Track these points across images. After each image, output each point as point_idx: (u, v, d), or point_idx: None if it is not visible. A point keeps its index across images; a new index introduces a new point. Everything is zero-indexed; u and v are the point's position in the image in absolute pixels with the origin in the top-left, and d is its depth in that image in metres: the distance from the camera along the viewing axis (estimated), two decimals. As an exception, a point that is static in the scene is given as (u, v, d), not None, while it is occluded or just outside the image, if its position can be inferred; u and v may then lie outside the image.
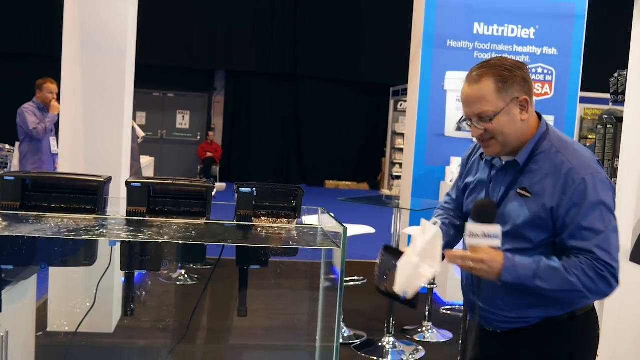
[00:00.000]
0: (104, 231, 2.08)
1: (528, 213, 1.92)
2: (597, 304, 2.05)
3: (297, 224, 2.26)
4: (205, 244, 2.09)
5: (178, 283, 5.83)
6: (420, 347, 4.67)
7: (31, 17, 14.62)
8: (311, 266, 2.46)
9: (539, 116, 2.04)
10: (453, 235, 2.21)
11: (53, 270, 4.14)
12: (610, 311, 3.57)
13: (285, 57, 16.19)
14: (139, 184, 2.16)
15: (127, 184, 2.16)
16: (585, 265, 1.85)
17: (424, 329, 5.02)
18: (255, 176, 15.16)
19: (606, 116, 4.26)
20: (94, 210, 2.13)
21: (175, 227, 2.11)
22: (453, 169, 6.07)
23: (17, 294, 2.29)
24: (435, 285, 5.22)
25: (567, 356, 2.02)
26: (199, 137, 16.50)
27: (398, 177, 14.10)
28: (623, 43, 4.23)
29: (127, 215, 2.16)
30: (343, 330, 4.79)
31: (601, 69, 8.02)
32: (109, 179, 2.24)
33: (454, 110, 6.33)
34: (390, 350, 4.54)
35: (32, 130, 6.28)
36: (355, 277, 5.22)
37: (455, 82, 6.26)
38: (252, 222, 2.20)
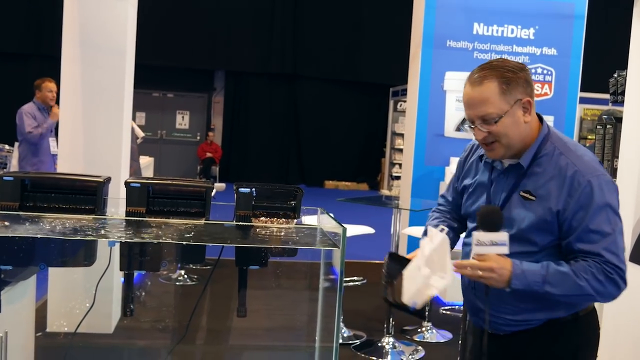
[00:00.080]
0: (103, 231, 2.08)
1: (533, 216, 1.91)
2: (596, 303, 2.05)
3: (296, 224, 2.26)
4: (205, 244, 2.09)
5: (177, 283, 5.83)
6: (419, 348, 4.66)
7: (31, 18, 14.62)
8: (311, 266, 2.45)
9: (540, 118, 2.02)
10: (452, 238, 2.20)
11: (52, 271, 4.14)
12: (609, 311, 3.57)
13: (284, 57, 16.19)
14: (138, 184, 2.15)
15: (127, 184, 2.16)
16: (594, 269, 1.85)
17: (423, 329, 5.01)
18: (255, 176, 15.15)
19: (605, 116, 4.27)
20: (93, 210, 2.13)
21: (175, 227, 2.11)
22: (453, 169, 6.06)
23: (16, 295, 2.28)
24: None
25: (570, 357, 2.02)
26: (198, 138, 16.50)
27: (398, 178, 14.10)
28: (622, 43, 4.23)
29: (126, 216, 2.15)
30: (343, 331, 4.79)
31: (601, 69, 8.02)
32: (108, 180, 2.24)
33: (453, 111, 6.33)
34: (389, 350, 4.54)
35: (27, 134, 6.28)
36: (355, 278, 5.23)
37: (454, 82, 6.26)
38: (252, 222, 2.20)
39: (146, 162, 8.64)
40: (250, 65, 16.05)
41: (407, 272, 1.93)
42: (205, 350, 4.39)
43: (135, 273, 2.23)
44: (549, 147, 1.97)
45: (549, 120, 2.01)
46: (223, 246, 2.13)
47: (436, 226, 2.04)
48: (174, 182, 2.20)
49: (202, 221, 2.16)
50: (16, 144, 6.82)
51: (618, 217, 1.91)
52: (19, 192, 2.10)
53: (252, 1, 15.74)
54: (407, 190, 6.40)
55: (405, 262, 1.97)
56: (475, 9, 6.31)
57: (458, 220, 2.24)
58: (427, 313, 2.00)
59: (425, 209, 4.72)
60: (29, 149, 6.40)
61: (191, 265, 5.88)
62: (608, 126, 4.15)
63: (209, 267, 2.48)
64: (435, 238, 1.89)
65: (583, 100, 9.35)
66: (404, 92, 8.67)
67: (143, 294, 4.95)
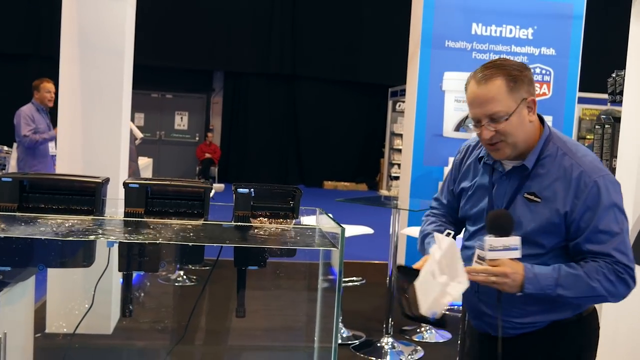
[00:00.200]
0: (102, 232, 2.07)
1: (539, 218, 1.90)
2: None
3: (295, 224, 2.26)
4: (204, 245, 2.08)
5: (176, 284, 5.83)
6: (419, 348, 4.67)
7: (30, 18, 14.62)
8: (309, 267, 2.45)
9: (541, 119, 2.01)
10: None
11: (51, 272, 4.13)
12: (608, 310, 3.57)
13: (283, 58, 16.20)
14: (137, 185, 2.15)
15: (125, 185, 2.16)
16: (605, 269, 1.84)
17: (422, 329, 5.02)
18: (254, 177, 15.17)
19: (604, 116, 4.27)
20: (92, 211, 2.13)
21: (173, 228, 2.11)
22: (451, 169, 6.06)
23: (15, 296, 2.28)
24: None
25: (574, 358, 2.02)
26: (197, 138, 16.50)
27: (396, 178, 14.10)
28: (621, 43, 4.24)
29: (124, 216, 2.15)
30: (342, 331, 4.79)
31: (599, 69, 8.03)
32: (107, 180, 2.23)
33: (452, 111, 6.33)
34: (389, 350, 4.54)
35: (23, 137, 6.28)
36: (354, 278, 5.23)
37: (453, 82, 6.26)
38: (250, 222, 2.20)
39: (145, 163, 8.64)
40: (249, 66, 16.06)
41: (419, 283, 1.90)
42: (204, 351, 4.39)
43: (134, 274, 2.23)
44: (551, 148, 1.96)
45: (547, 120, 2.01)
46: (222, 247, 2.13)
47: (439, 231, 2.01)
48: (172, 183, 2.20)
49: (201, 222, 2.16)
50: (15, 144, 6.82)
51: (624, 216, 1.91)
52: (17, 193, 2.10)
53: (251, 2, 15.75)
54: (405, 191, 6.40)
55: (414, 273, 1.94)
56: (473, 9, 6.31)
57: (454, 224, 2.22)
58: (445, 321, 1.97)
59: (423, 209, 4.72)
60: (28, 151, 6.40)
61: (190, 266, 5.88)
62: (606, 126, 4.15)
63: (207, 267, 2.48)
64: (443, 243, 1.86)
65: (582, 100, 9.36)
66: (403, 93, 8.67)
67: (142, 294, 4.95)
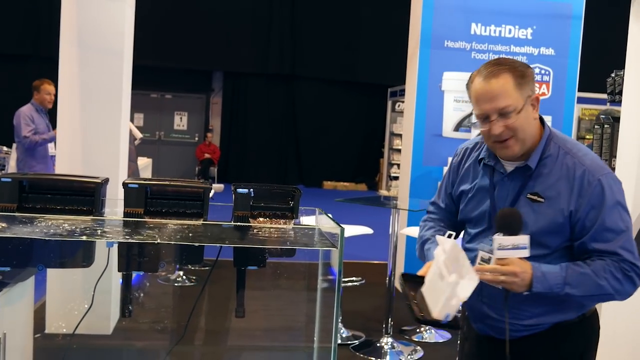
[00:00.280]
0: (102, 232, 2.07)
1: (543, 219, 1.89)
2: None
3: (294, 224, 2.26)
4: (203, 245, 2.09)
5: (176, 284, 5.83)
6: (418, 348, 4.67)
7: (29, 19, 14.61)
8: (309, 267, 2.45)
9: (540, 118, 2.01)
10: None
11: (50, 272, 4.13)
12: (608, 310, 3.57)
13: (283, 58, 16.20)
14: (136, 185, 2.15)
15: (125, 185, 2.16)
16: (612, 267, 1.84)
17: (422, 329, 5.02)
18: (253, 177, 15.17)
19: (603, 116, 4.27)
20: (91, 211, 2.13)
21: (173, 228, 2.11)
22: (451, 169, 6.06)
23: (14, 296, 2.28)
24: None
25: (577, 358, 2.02)
26: (196, 139, 16.50)
27: (396, 178, 14.11)
28: (620, 43, 4.24)
29: (124, 217, 2.15)
30: (341, 331, 4.79)
31: (598, 69, 8.03)
32: (106, 180, 2.24)
33: (451, 111, 6.33)
34: (388, 350, 4.55)
35: (23, 137, 6.28)
36: (353, 278, 5.23)
37: (452, 82, 6.26)
38: (250, 223, 2.20)
39: (144, 163, 8.64)
40: (249, 66, 16.06)
41: (426, 289, 1.88)
42: (203, 351, 4.39)
43: (134, 274, 2.23)
44: (553, 147, 1.95)
45: (547, 120, 2.01)
46: (221, 247, 2.13)
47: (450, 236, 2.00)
48: (171, 183, 2.20)
49: (200, 222, 2.16)
50: (14, 145, 6.82)
51: (628, 214, 1.91)
52: (17, 193, 2.10)
53: (250, 2, 15.75)
54: (405, 191, 6.40)
55: (419, 279, 1.93)
56: (473, 9, 6.31)
57: (452, 228, 2.20)
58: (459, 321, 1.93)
59: (423, 209, 4.72)
60: (27, 151, 6.40)
61: (189, 266, 5.88)
62: (606, 126, 4.16)
63: (207, 267, 2.48)
64: (446, 245, 1.85)
65: (581, 100, 9.36)
66: (402, 93, 8.68)
67: (141, 295, 4.95)
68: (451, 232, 1.92)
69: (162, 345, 4.12)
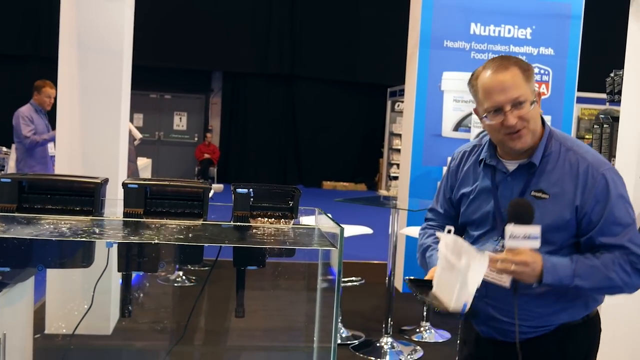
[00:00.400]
0: (101, 233, 2.07)
1: (549, 215, 1.89)
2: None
3: (294, 224, 2.26)
4: (203, 245, 2.09)
5: (175, 284, 5.83)
6: (418, 348, 4.67)
7: (29, 20, 14.61)
8: (308, 267, 2.45)
9: (540, 117, 2.02)
10: None
11: (50, 273, 4.13)
12: (608, 310, 3.58)
13: (282, 58, 16.20)
14: (136, 186, 2.15)
15: (124, 185, 2.16)
16: (621, 260, 1.85)
17: (422, 329, 5.02)
18: (253, 177, 15.17)
19: (602, 116, 4.27)
20: (91, 211, 2.13)
21: (172, 228, 2.11)
22: (450, 169, 6.05)
23: (14, 296, 2.28)
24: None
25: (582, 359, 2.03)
26: (196, 139, 16.50)
27: (395, 178, 14.11)
28: (619, 43, 4.24)
29: (124, 217, 2.15)
30: (341, 331, 4.79)
31: (597, 68, 8.03)
32: (106, 181, 2.24)
33: (450, 111, 6.33)
34: (388, 350, 4.55)
35: (24, 137, 6.29)
36: (353, 278, 5.23)
37: (452, 82, 6.26)
38: (249, 222, 2.20)
39: (144, 164, 8.64)
40: (248, 66, 16.06)
41: (437, 286, 1.87)
42: (203, 351, 4.39)
43: (134, 274, 2.23)
44: (554, 144, 1.96)
45: (546, 119, 2.02)
46: (221, 247, 2.13)
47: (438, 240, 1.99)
48: (171, 183, 2.20)
49: (200, 222, 2.16)
50: (13, 145, 6.82)
51: (632, 208, 1.92)
52: (16, 193, 2.10)
53: (249, 2, 15.75)
54: (404, 191, 6.41)
55: (427, 283, 1.93)
56: (472, 9, 6.31)
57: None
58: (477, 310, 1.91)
59: (423, 209, 4.73)
60: (27, 152, 6.40)
61: (189, 266, 5.88)
62: (605, 125, 4.16)
63: (207, 268, 2.48)
64: (448, 239, 1.85)
65: (580, 100, 9.36)
66: (402, 93, 8.69)
67: (141, 295, 4.95)
68: (450, 228, 1.90)
69: (161, 345, 4.12)
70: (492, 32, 6.37)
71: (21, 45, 14.71)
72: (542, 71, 6.41)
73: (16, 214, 2.09)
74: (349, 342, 4.68)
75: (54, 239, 1.97)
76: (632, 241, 1.87)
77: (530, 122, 1.90)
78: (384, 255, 5.21)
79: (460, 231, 2.17)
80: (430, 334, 4.97)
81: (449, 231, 1.87)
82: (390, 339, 4.63)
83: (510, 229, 1.81)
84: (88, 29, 4.26)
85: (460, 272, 1.77)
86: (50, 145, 6.49)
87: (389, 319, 4.64)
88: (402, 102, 8.36)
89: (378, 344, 4.61)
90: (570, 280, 1.84)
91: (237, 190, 2.20)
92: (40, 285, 4.24)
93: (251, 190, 2.21)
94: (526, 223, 1.82)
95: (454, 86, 6.24)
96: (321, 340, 2.28)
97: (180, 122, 16.51)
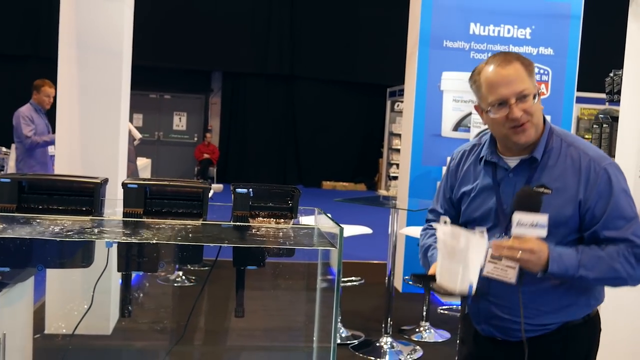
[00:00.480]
0: (101, 233, 2.07)
1: (551, 210, 1.88)
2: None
3: (293, 224, 2.26)
4: (202, 245, 2.09)
5: (175, 284, 5.83)
6: (417, 347, 4.67)
7: (29, 20, 14.61)
8: (308, 267, 2.46)
9: None
10: None
11: (50, 273, 4.13)
12: (607, 310, 3.58)
13: (282, 58, 16.20)
14: (136, 185, 2.15)
15: (124, 185, 2.16)
16: (625, 252, 1.86)
17: (421, 329, 5.02)
18: (253, 177, 15.17)
19: (602, 115, 4.28)
20: (91, 211, 2.13)
21: (172, 228, 2.11)
22: (450, 169, 6.05)
23: (14, 296, 2.28)
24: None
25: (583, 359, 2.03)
26: (195, 139, 16.50)
27: (395, 178, 14.11)
28: (618, 43, 4.25)
29: (123, 217, 2.15)
30: (341, 331, 4.79)
31: (597, 68, 8.04)
32: (106, 181, 2.24)
33: (450, 111, 6.33)
34: (388, 350, 4.55)
35: (25, 137, 6.29)
36: (353, 278, 5.23)
37: (451, 82, 6.26)
38: (249, 222, 2.20)
39: (144, 164, 8.64)
40: (248, 66, 16.06)
41: (440, 275, 1.88)
42: (203, 351, 4.39)
43: (133, 274, 2.23)
44: (555, 140, 1.98)
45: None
46: (220, 247, 2.13)
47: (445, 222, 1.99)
48: (171, 183, 2.20)
49: (200, 222, 2.16)
50: (13, 145, 6.82)
51: (633, 201, 1.93)
52: (16, 193, 2.10)
53: (249, 2, 15.75)
54: (404, 190, 6.41)
55: (431, 277, 1.93)
56: (471, 9, 6.31)
57: None
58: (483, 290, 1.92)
59: (422, 209, 4.73)
60: (27, 152, 6.40)
61: (189, 266, 5.88)
62: (604, 125, 4.16)
63: (206, 267, 2.48)
64: (445, 228, 1.86)
65: (580, 100, 9.35)
66: (401, 93, 8.68)
67: (141, 295, 4.96)
68: (446, 219, 1.91)
69: (161, 345, 4.12)
70: (491, 32, 6.37)
71: (21, 46, 14.70)
72: (541, 71, 6.41)
73: (16, 214, 2.09)
74: (348, 342, 4.68)
75: (53, 238, 1.97)
76: (635, 234, 1.88)
77: (534, 115, 1.92)
78: (384, 255, 5.21)
79: None
80: (430, 334, 4.98)
81: (445, 222, 1.88)
82: (389, 339, 4.63)
83: (518, 216, 1.82)
84: (88, 29, 4.26)
85: (461, 253, 1.79)
86: (50, 145, 6.49)
87: (389, 319, 4.65)
88: (402, 102, 8.36)
89: (378, 344, 4.61)
90: (575, 270, 1.85)
91: (237, 190, 2.20)
92: (40, 285, 4.24)
93: (251, 190, 2.21)
94: (534, 212, 1.82)
95: (454, 86, 6.24)
96: (321, 340, 2.29)
97: (179, 122, 16.51)
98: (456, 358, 2.31)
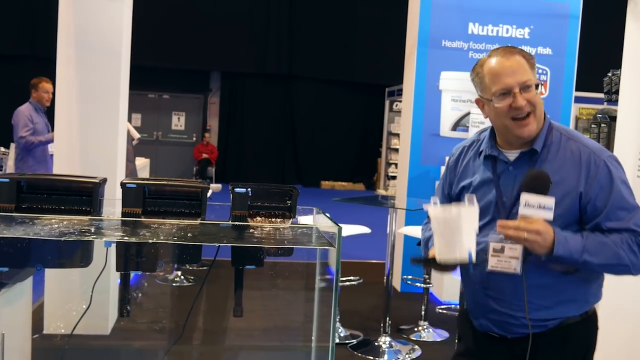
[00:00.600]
0: (100, 232, 2.08)
1: None
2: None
3: (292, 224, 2.26)
4: (201, 244, 2.09)
5: (174, 284, 5.83)
6: (416, 347, 4.67)
7: (27, 19, 14.60)
8: (307, 266, 2.46)
9: None
10: None
11: (49, 272, 4.13)
12: (606, 310, 3.58)
13: (280, 58, 16.20)
14: (134, 185, 2.16)
15: (122, 185, 2.16)
16: (629, 240, 1.89)
17: (420, 328, 5.02)
18: (251, 177, 15.16)
19: (600, 115, 4.28)
20: (89, 211, 2.13)
21: (171, 228, 2.12)
22: (448, 168, 6.06)
23: (12, 296, 2.28)
24: (431, 285, 5.23)
25: (581, 358, 2.04)
26: (194, 139, 16.49)
27: (394, 177, 14.11)
28: (617, 43, 4.25)
29: (122, 217, 2.15)
30: (339, 330, 4.80)
31: (595, 68, 8.04)
32: (104, 180, 2.24)
33: (449, 110, 6.34)
34: (386, 349, 4.55)
35: (20, 137, 6.27)
36: (351, 277, 5.23)
37: (450, 82, 6.27)
38: (248, 222, 2.20)
39: (142, 164, 8.64)
40: (246, 66, 16.06)
41: (439, 252, 1.89)
42: (201, 351, 4.39)
43: (132, 274, 2.23)
44: (555, 134, 2.00)
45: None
46: (219, 246, 2.14)
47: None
48: (169, 183, 2.20)
49: (198, 221, 2.16)
50: (12, 145, 6.82)
51: (632, 192, 1.96)
52: (14, 193, 2.10)
53: (247, 2, 15.74)
54: (403, 190, 6.41)
55: (431, 260, 1.95)
56: (470, 8, 6.32)
57: None
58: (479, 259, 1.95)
59: (420, 208, 4.73)
60: (26, 151, 6.39)
61: (187, 266, 5.88)
62: (603, 125, 4.17)
63: (205, 267, 2.48)
64: (436, 209, 1.89)
65: (578, 100, 9.36)
66: (400, 92, 8.68)
67: (140, 295, 4.95)
68: (435, 200, 1.94)
69: (160, 345, 4.12)
70: (490, 32, 6.38)
71: (19, 45, 14.69)
72: (540, 71, 6.42)
73: (14, 214, 2.09)
74: (347, 341, 4.68)
75: (52, 238, 1.97)
76: (637, 224, 1.91)
77: (537, 108, 1.95)
78: (382, 254, 5.21)
79: None
80: (429, 333, 4.98)
81: (435, 203, 1.91)
82: (388, 338, 4.64)
83: (526, 197, 1.84)
84: (86, 29, 4.26)
85: (455, 222, 1.82)
86: (50, 145, 6.47)
87: (387, 318, 4.65)
88: (400, 101, 8.37)
89: (376, 343, 4.61)
90: (580, 254, 1.86)
91: (236, 189, 2.20)
92: (39, 285, 4.24)
93: (249, 189, 2.21)
94: (541, 194, 1.84)
95: (452, 86, 6.24)
96: (319, 340, 2.29)
97: (178, 122, 16.51)
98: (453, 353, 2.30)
